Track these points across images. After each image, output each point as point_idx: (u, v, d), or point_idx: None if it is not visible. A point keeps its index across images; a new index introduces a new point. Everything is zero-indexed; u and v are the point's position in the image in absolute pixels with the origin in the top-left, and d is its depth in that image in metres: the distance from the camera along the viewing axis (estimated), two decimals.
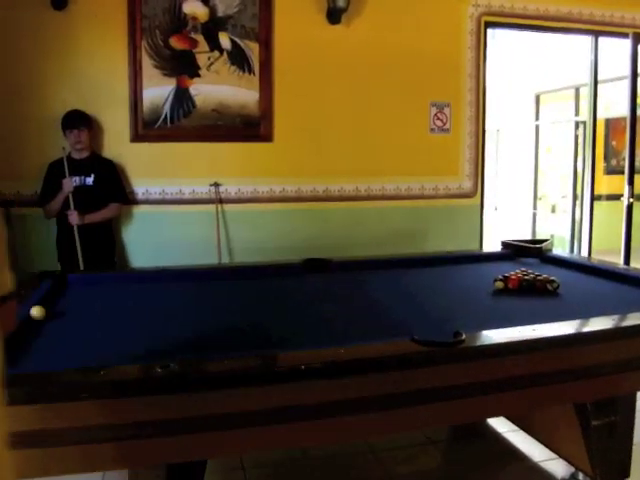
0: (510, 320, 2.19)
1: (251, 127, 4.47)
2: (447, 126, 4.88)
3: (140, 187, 4.37)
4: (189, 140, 4.39)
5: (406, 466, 2.94)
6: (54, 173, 3.98)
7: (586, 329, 2.14)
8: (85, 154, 4.06)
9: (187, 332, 2.19)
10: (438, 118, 4.85)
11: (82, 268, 3.78)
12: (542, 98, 8.78)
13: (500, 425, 3.21)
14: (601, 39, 5.28)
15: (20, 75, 4.09)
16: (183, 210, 4.43)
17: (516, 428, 3.06)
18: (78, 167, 3.98)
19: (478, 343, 1.95)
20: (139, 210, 4.39)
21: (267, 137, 4.51)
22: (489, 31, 5.00)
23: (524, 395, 2.06)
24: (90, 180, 4.02)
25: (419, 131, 4.83)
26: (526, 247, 3.53)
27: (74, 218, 3.86)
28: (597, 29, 5.16)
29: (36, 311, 2.30)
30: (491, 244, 5.23)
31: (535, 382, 2.02)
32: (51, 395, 1.58)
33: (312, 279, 3.06)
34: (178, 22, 4.32)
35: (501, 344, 1.97)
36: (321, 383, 1.77)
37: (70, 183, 3.89)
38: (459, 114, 4.91)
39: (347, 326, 2.25)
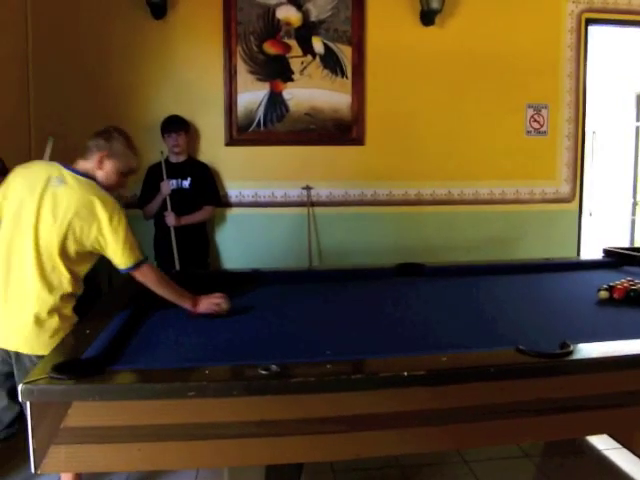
0: (618, 332, 2.09)
1: (343, 130, 4.48)
2: (544, 128, 4.73)
3: (234, 190, 4.46)
4: (282, 144, 4.45)
5: (499, 479, 2.85)
6: (153, 176, 4.12)
7: None
8: (182, 158, 4.18)
9: (282, 335, 2.21)
10: (535, 120, 4.70)
11: (177, 268, 3.88)
12: None
13: (600, 441, 3.07)
14: None
15: (123, 81, 4.26)
16: (275, 213, 4.49)
17: (618, 446, 2.91)
18: (175, 170, 4.10)
19: (587, 355, 1.86)
20: (232, 212, 4.48)
21: (359, 140, 4.51)
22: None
23: (632, 413, 1.95)
24: (187, 183, 4.12)
25: (514, 134, 4.70)
26: (632, 255, 3.35)
27: (171, 219, 3.97)
28: None
29: (225, 304, 2.40)
30: (587, 251, 5.03)
31: None
32: (157, 392, 1.63)
33: (406, 283, 3.02)
34: (272, 28, 4.38)
35: (611, 358, 1.87)
36: (421, 390, 1.74)
37: (168, 186, 4.00)
38: (557, 116, 4.75)
39: (445, 332, 2.19)
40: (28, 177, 2.30)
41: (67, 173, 2.30)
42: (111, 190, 2.38)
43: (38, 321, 2.18)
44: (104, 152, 2.35)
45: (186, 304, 2.41)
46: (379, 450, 1.86)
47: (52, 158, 3.49)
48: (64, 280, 2.24)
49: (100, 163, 2.35)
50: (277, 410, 1.67)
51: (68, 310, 2.27)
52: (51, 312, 2.21)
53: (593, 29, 4.79)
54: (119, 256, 2.28)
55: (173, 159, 4.16)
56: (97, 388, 1.59)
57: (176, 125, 4.11)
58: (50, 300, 2.21)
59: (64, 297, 2.25)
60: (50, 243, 2.21)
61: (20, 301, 2.21)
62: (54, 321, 2.21)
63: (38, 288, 2.20)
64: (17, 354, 2.22)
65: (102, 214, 2.23)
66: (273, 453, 1.72)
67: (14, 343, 2.21)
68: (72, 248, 2.23)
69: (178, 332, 2.25)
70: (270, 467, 1.82)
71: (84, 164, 2.36)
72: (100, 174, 2.36)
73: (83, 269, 2.34)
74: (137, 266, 2.31)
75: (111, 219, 2.24)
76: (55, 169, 2.31)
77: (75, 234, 2.22)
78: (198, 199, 4.16)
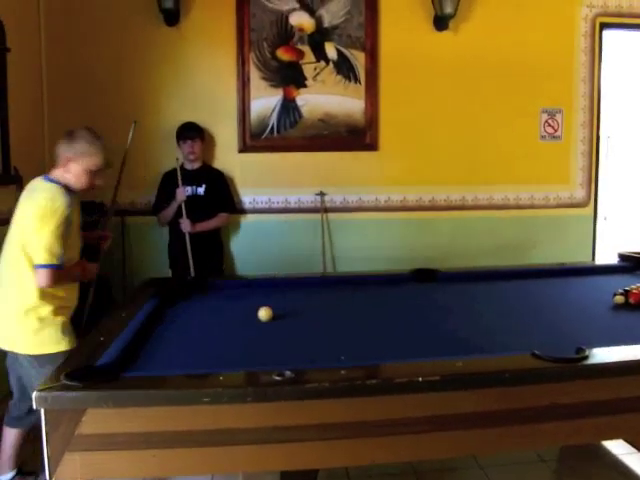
0: (634, 337, 2.07)
1: (357, 136, 4.49)
2: (559, 133, 4.70)
3: (247, 196, 4.48)
4: (295, 150, 4.46)
5: None
6: (168, 182, 4.14)
7: None
8: (197, 165, 4.20)
9: (297, 340, 2.21)
10: (549, 125, 4.68)
11: (192, 275, 3.89)
12: None
13: (616, 446, 3.04)
14: None
15: (137, 88, 4.29)
16: (289, 219, 4.50)
17: (634, 450, 2.88)
18: (190, 177, 4.12)
19: (602, 360, 1.84)
20: (246, 219, 4.50)
21: (372, 146, 4.51)
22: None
23: None
24: (201, 190, 4.14)
25: (529, 138, 4.68)
26: None
27: (186, 226, 3.98)
28: None
29: (265, 312, 2.39)
30: (602, 256, 4.99)
31: None
32: (171, 398, 1.64)
33: (421, 289, 3.01)
34: (285, 34, 4.40)
35: (627, 362, 1.86)
36: (436, 396, 1.73)
37: (183, 192, 4.02)
38: (571, 120, 4.72)
39: (459, 338, 2.18)
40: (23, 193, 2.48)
41: (40, 182, 2.43)
42: (86, 190, 2.48)
43: (19, 321, 2.31)
44: (67, 155, 2.42)
45: (78, 274, 2.55)
46: (394, 456, 1.86)
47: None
48: (28, 280, 2.34)
49: (66, 167, 2.43)
50: (292, 416, 1.67)
51: (45, 311, 2.35)
52: (27, 312, 2.32)
53: (608, 33, 4.76)
54: (35, 252, 2.34)
55: (188, 166, 4.18)
56: (111, 395, 1.60)
57: (191, 132, 4.13)
58: (23, 300, 2.32)
59: (36, 297, 2.34)
60: (15, 245, 2.35)
61: (4, 301, 2.36)
62: (33, 321, 2.32)
63: (12, 288, 2.34)
64: (15, 353, 2.35)
65: (36, 212, 2.31)
66: (288, 459, 1.72)
67: (6, 342, 2.36)
68: (29, 248, 2.35)
69: (192, 338, 2.25)
70: (285, 473, 1.81)
71: (55, 171, 2.46)
72: (69, 177, 2.44)
73: None
74: (43, 267, 2.34)
75: (42, 218, 2.31)
76: (36, 181, 2.46)
77: (25, 234, 2.34)
78: (213, 206, 4.18)
